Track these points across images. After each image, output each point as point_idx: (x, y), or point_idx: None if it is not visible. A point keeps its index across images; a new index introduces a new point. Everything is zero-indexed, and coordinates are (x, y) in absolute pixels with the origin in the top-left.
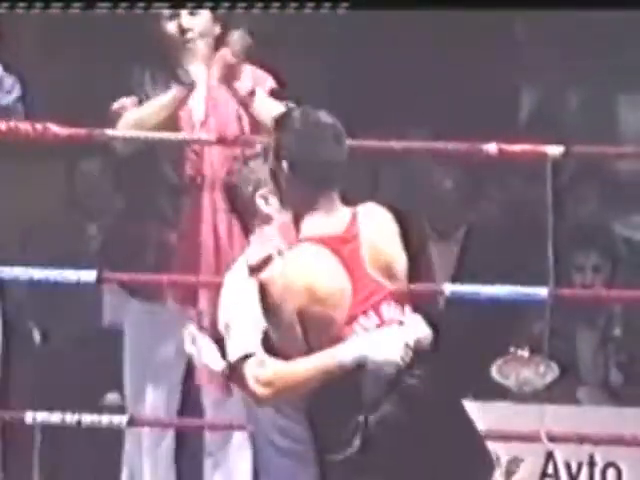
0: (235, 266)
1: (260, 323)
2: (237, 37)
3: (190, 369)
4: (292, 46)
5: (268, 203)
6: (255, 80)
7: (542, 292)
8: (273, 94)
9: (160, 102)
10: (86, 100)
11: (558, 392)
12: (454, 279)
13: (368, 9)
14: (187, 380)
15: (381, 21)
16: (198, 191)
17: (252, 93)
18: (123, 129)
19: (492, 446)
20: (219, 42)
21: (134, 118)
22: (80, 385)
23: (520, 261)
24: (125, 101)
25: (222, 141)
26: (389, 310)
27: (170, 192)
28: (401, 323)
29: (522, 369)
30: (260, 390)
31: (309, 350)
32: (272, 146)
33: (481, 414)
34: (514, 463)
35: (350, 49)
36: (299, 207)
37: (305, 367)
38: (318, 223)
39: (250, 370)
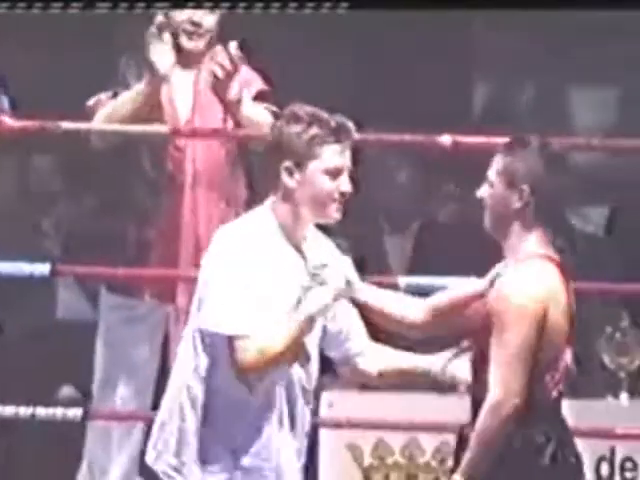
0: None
1: (261, 303)
2: (231, 47)
3: (165, 366)
4: (292, 46)
5: (292, 177)
6: (243, 82)
7: None
8: (261, 96)
9: (129, 95)
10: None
11: None
12: (409, 272)
13: (368, 9)
14: (161, 377)
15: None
16: (179, 188)
17: (239, 101)
18: (97, 124)
19: None
20: (211, 44)
21: (105, 113)
22: (34, 378)
23: (476, 253)
24: (100, 96)
25: (197, 133)
26: (568, 353)
27: (149, 188)
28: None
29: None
30: (246, 365)
31: (535, 360)
32: (506, 173)
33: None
34: None
35: (350, 49)
36: (530, 230)
37: (282, 337)
38: (546, 247)
39: (239, 348)
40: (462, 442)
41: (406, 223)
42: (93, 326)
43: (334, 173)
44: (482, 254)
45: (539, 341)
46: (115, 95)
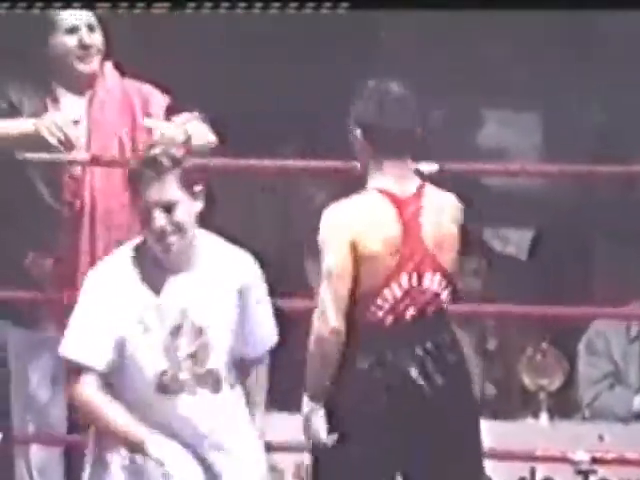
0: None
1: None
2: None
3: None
4: (292, 46)
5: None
6: (144, 101)
7: None
8: (170, 111)
9: (19, 128)
10: None
11: None
12: None
13: (368, 9)
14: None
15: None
16: (77, 215)
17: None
18: None
19: None
20: (102, 63)
21: None
22: None
23: None
24: None
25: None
26: (431, 280)
27: (45, 216)
28: None
29: None
30: (76, 398)
31: (353, 288)
32: (349, 114)
33: None
34: None
35: (348, 49)
36: (369, 168)
37: (107, 416)
38: (386, 181)
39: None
40: None
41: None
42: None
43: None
44: None
45: (353, 269)
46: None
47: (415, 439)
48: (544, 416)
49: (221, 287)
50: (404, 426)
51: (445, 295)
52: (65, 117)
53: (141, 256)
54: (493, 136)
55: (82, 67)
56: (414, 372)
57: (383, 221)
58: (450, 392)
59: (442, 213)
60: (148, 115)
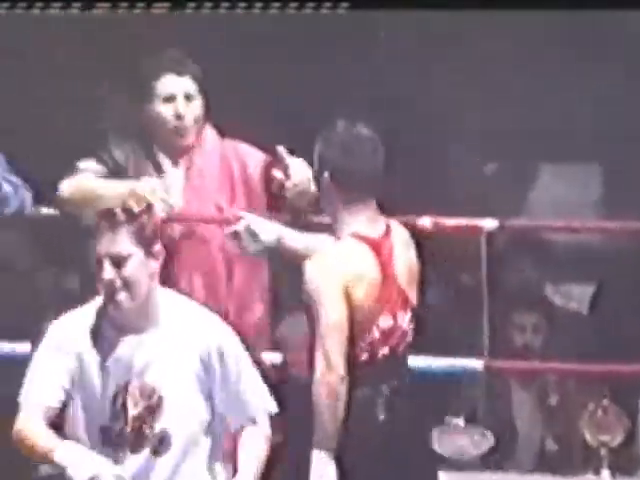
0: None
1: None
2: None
3: None
4: (292, 46)
5: None
6: (242, 163)
7: (477, 364)
8: (268, 168)
9: (115, 190)
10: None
11: (493, 461)
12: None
13: (368, 9)
14: None
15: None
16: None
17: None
18: (67, 187)
19: None
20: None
21: (83, 186)
22: None
23: (457, 332)
24: (91, 165)
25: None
26: (403, 318)
27: None
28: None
29: (458, 438)
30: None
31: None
32: (316, 157)
33: None
34: None
35: (349, 49)
36: (339, 213)
37: (37, 447)
38: (359, 224)
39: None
40: None
41: None
42: None
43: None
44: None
45: (349, 316)
46: (105, 167)
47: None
48: (605, 473)
49: (182, 348)
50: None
51: (411, 331)
52: (162, 184)
53: (100, 314)
54: (548, 189)
55: (178, 139)
56: (380, 410)
57: (364, 266)
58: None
59: (409, 248)
60: (246, 178)
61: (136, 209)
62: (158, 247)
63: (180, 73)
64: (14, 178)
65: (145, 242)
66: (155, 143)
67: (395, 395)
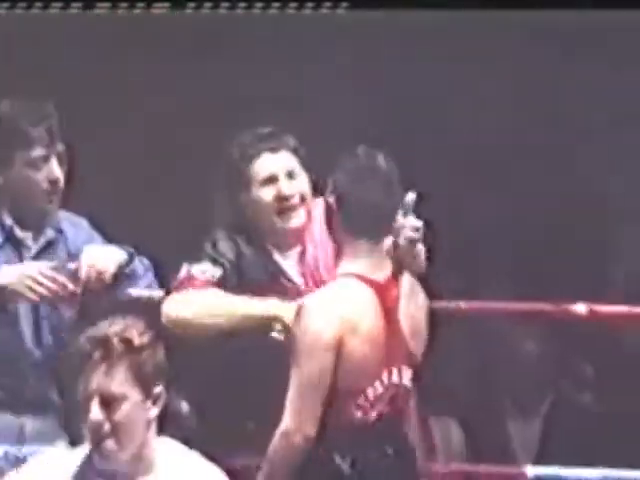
0: None
1: None
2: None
3: None
4: (292, 46)
5: None
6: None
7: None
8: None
9: (248, 311)
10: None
11: None
12: (537, 460)
13: (368, 9)
14: None
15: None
16: None
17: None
18: (172, 303)
19: None
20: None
21: (200, 305)
22: None
23: (612, 438)
24: (208, 268)
25: None
26: (405, 372)
27: None
28: None
29: None
30: None
31: (332, 387)
32: (330, 179)
33: None
34: None
35: (350, 49)
36: (343, 245)
37: None
38: (362, 264)
39: None
40: None
41: (534, 403)
42: None
43: None
44: (631, 444)
45: (335, 369)
46: (223, 271)
47: None
48: None
49: None
50: None
51: (412, 388)
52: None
53: (85, 460)
54: None
55: (284, 224)
56: (384, 471)
57: (367, 314)
58: None
59: (416, 297)
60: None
61: (137, 340)
62: (159, 389)
63: (275, 150)
64: (145, 260)
65: (145, 382)
66: (261, 233)
67: (396, 459)
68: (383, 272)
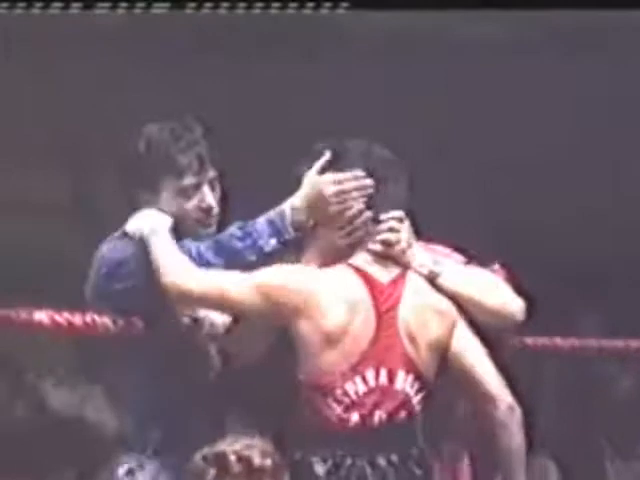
0: None
1: None
2: None
3: None
4: (292, 46)
5: None
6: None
7: None
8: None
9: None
10: None
11: None
12: None
13: (368, 9)
14: None
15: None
16: None
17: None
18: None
19: None
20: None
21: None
22: None
23: None
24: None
25: None
26: (404, 380)
27: None
28: None
29: None
30: None
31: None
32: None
33: None
34: None
35: (350, 49)
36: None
37: None
38: (366, 259)
39: None
40: None
41: (631, 443)
42: None
43: None
44: None
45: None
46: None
47: None
48: None
49: None
50: None
51: (418, 400)
52: None
53: None
54: None
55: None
56: None
57: (341, 305)
58: None
59: (423, 300)
60: None
61: (257, 461)
62: None
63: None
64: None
65: None
66: None
67: (391, 468)
68: (388, 271)
